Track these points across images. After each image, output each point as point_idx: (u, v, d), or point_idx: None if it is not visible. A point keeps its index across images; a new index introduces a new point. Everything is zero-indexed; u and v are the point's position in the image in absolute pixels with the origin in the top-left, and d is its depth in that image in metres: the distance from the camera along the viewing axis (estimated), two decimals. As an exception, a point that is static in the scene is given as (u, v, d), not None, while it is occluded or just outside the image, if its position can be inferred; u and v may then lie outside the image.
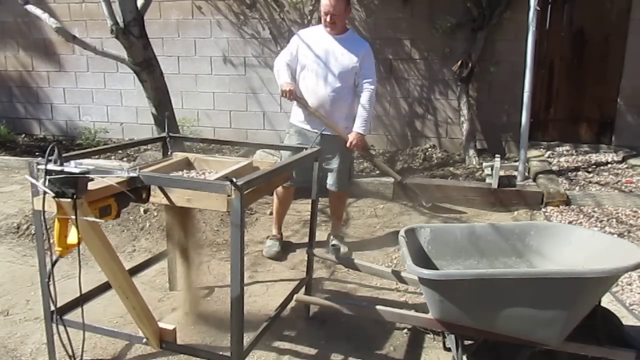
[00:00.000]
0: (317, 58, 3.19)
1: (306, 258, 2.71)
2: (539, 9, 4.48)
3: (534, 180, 4.73)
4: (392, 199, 4.58)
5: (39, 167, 1.59)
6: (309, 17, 5.45)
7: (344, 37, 3.21)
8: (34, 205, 1.66)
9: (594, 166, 5.19)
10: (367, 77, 3.21)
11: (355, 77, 3.20)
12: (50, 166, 1.56)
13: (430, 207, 4.21)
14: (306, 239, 2.79)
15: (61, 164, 1.58)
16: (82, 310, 1.81)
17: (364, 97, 3.21)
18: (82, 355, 1.91)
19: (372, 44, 3.35)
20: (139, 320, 1.99)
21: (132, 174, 1.85)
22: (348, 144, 3.23)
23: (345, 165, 3.37)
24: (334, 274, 3.23)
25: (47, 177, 1.55)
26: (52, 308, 2.06)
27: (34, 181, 1.61)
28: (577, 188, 4.56)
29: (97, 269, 3.06)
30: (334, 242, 3.53)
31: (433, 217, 4.24)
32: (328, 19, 3.11)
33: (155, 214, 3.84)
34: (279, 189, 3.35)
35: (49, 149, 1.57)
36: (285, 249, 3.55)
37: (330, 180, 3.41)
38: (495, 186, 4.39)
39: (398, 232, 2.32)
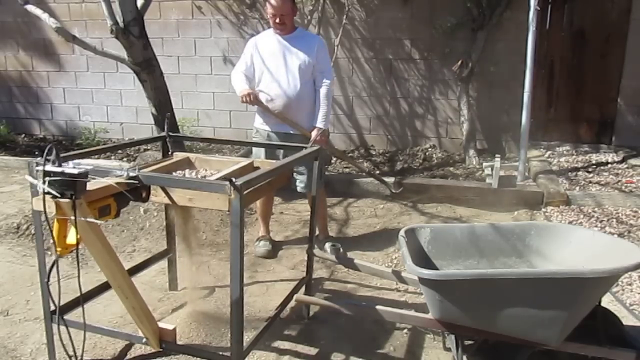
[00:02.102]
0: (272, 62, 3.25)
1: (306, 258, 2.71)
2: (539, 9, 4.48)
3: (534, 180, 4.73)
4: (392, 199, 4.58)
5: (38, 168, 1.58)
6: (309, 17, 5.45)
7: (294, 35, 3.26)
8: (34, 205, 1.66)
9: (594, 166, 5.19)
10: (323, 71, 3.27)
11: (312, 72, 3.25)
12: (49, 167, 1.56)
13: (399, 193, 4.28)
14: (306, 239, 2.79)
15: (59, 165, 1.57)
16: (83, 309, 1.81)
17: (322, 91, 3.26)
18: (82, 355, 1.91)
19: (323, 37, 3.42)
20: (138, 320, 1.99)
21: (132, 174, 1.85)
22: (311, 141, 3.20)
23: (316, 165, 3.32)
24: (334, 274, 3.23)
25: (46, 178, 1.55)
26: (52, 308, 2.06)
27: (33, 181, 1.61)
28: (577, 188, 4.56)
29: (97, 269, 3.06)
30: (328, 243, 3.52)
31: (433, 217, 4.24)
32: (277, 20, 3.16)
33: (155, 214, 3.84)
34: None
35: (46, 149, 1.57)
36: (275, 247, 3.58)
37: (301, 183, 3.37)
38: (495, 186, 4.39)
39: (398, 232, 2.32)
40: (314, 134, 3.23)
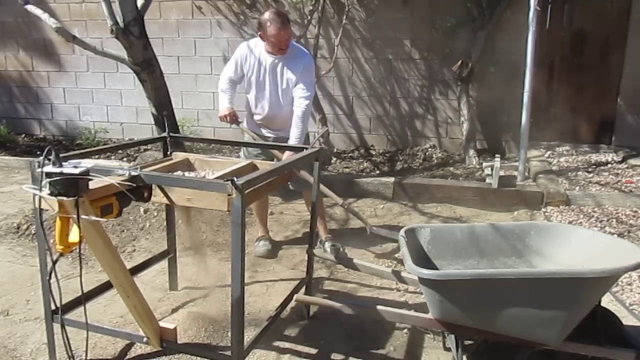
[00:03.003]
0: (260, 77, 3.24)
1: (306, 258, 2.71)
2: (539, 9, 4.48)
3: (534, 180, 4.73)
4: (392, 199, 4.59)
5: (38, 170, 1.59)
6: (309, 17, 5.45)
7: (287, 54, 3.18)
8: (35, 204, 1.66)
9: (594, 166, 5.19)
10: (302, 90, 3.17)
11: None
12: (49, 168, 1.56)
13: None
14: (306, 239, 2.79)
15: (60, 166, 1.58)
16: (85, 308, 1.81)
17: (298, 111, 3.16)
18: (86, 354, 1.91)
19: (311, 56, 3.37)
20: (139, 319, 1.99)
21: (134, 173, 1.86)
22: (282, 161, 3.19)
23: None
24: (334, 274, 3.23)
25: (48, 179, 1.55)
26: (53, 307, 2.06)
27: (33, 191, 1.61)
28: (577, 188, 4.56)
29: (97, 268, 3.08)
30: (328, 243, 3.52)
31: (433, 217, 4.25)
32: (282, 46, 3.10)
33: (156, 214, 3.84)
34: None
35: (45, 151, 1.57)
36: (275, 247, 3.58)
37: (293, 182, 3.32)
38: (495, 186, 4.39)
39: (398, 232, 2.32)
40: (285, 154, 3.10)
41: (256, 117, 3.37)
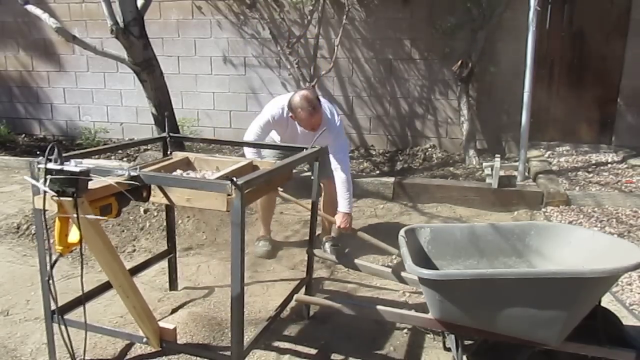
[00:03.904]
0: (288, 139, 3.26)
1: (306, 258, 2.71)
2: (539, 9, 4.48)
3: (534, 180, 4.73)
4: (392, 199, 4.58)
5: (39, 166, 1.59)
6: (309, 17, 5.45)
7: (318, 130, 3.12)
8: (35, 204, 1.66)
9: (594, 166, 5.19)
10: (338, 158, 3.17)
11: None
12: (51, 165, 1.57)
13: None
14: (306, 239, 2.79)
15: (61, 163, 1.58)
16: (85, 308, 1.81)
17: (340, 178, 3.16)
18: (84, 355, 1.91)
19: (340, 119, 3.30)
20: (139, 319, 1.99)
21: (133, 173, 1.86)
22: (337, 227, 3.20)
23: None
24: (334, 274, 3.23)
25: (48, 176, 1.55)
26: (53, 307, 2.06)
27: (33, 182, 1.61)
28: (577, 188, 4.56)
29: (97, 269, 3.08)
30: (328, 243, 3.51)
31: (433, 217, 4.25)
32: (314, 127, 3.03)
33: (155, 214, 3.84)
34: None
35: (48, 148, 1.57)
36: (275, 247, 3.57)
37: (327, 170, 3.29)
38: (495, 186, 4.39)
39: (398, 232, 2.32)
40: (338, 219, 3.15)
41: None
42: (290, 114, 3.07)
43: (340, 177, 3.18)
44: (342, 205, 3.17)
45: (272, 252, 3.50)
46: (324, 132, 3.03)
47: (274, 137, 3.43)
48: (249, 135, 3.22)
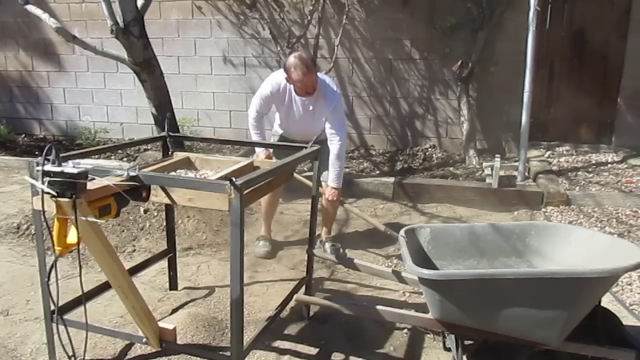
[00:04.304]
0: (290, 113, 3.26)
1: (306, 258, 2.71)
2: (539, 9, 4.48)
3: (534, 180, 4.73)
4: (392, 199, 4.58)
5: (37, 168, 1.58)
6: (309, 17, 5.45)
7: (316, 94, 3.16)
8: (34, 205, 1.66)
9: (594, 166, 5.19)
10: (333, 132, 3.17)
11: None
12: (48, 167, 1.56)
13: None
14: (306, 239, 2.79)
15: (59, 164, 1.57)
16: (85, 308, 1.81)
17: (334, 150, 3.17)
18: (84, 355, 1.91)
19: (340, 93, 3.30)
20: (138, 319, 1.99)
21: (132, 174, 1.85)
22: (325, 199, 3.26)
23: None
24: (334, 274, 3.23)
25: (46, 178, 1.55)
26: (52, 307, 2.06)
27: (33, 182, 1.61)
28: (577, 188, 4.56)
29: (97, 269, 3.08)
30: (328, 243, 3.51)
31: (433, 217, 4.25)
32: (309, 90, 3.08)
33: (155, 214, 3.84)
34: None
35: (45, 149, 1.57)
36: (275, 247, 3.57)
37: (326, 175, 3.33)
38: (495, 186, 4.39)
39: (398, 232, 2.32)
40: (327, 191, 3.22)
41: (293, 135, 3.40)
42: (286, 77, 3.09)
43: (333, 151, 3.18)
44: (331, 179, 3.20)
45: (271, 252, 3.50)
46: (321, 101, 3.14)
47: (276, 128, 3.45)
48: (252, 109, 3.32)
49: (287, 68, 3.04)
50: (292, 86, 3.16)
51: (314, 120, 3.22)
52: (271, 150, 3.34)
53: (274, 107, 3.33)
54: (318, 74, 3.20)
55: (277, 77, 3.24)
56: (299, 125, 3.31)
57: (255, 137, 3.32)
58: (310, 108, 3.21)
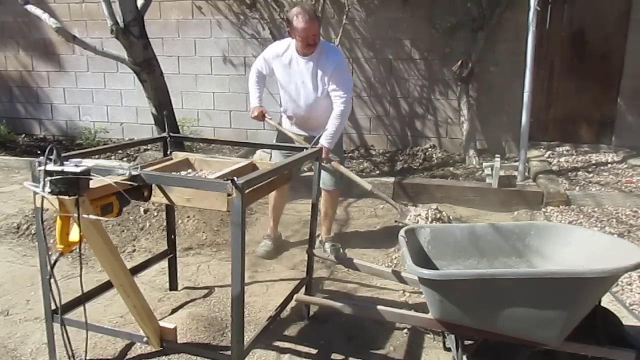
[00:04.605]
0: (291, 79, 3.22)
1: (306, 258, 2.71)
2: (539, 9, 4.48)
3: (534, 180, 4.73)
4: (392, 199, 4.57)
5: (39, 168, 1.59)
6: (309, 17, 5.45)
7: (315, 53, 3.13)
8: (35, 202, 1.66)
9: (594, 166, 5.19)
10: (337, 91, 3.12)
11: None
12: (50, 167, 1.57)
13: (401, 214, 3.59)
14: (306, 239, 2.79)
15: (61, 164, 1.58)
16: (85, 308, 1.81)
17: (335, 110, 3.13)
18: (84, 355, 1.91)
19: (342, 53, 3.30)
20: (139, 318, 1.99)
21: (134, 173, 1.86)
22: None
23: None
24: (334, 274, 3.23)
25: (48, 177, 1.55)
26: (53, 307, 2.06)
27: (33, 188, 1.61)
28: (577, 188, 4.56)
29: (97, 269, 3.08)
30: (328, 243, 3.51)
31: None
32: (310, 41, 3.04)
33: (156, 214, 3.84)
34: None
35: (47, 149, 1.57)
36: (280, 248, 3.56)
37: (324, 179, 3.35)
38: (495, 186, 4.39)
39: (398, 232, 2.32)
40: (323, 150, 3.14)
41: (290, 119, 3.37)
42: (288, 30, 3.08)
43: (336, 110, 3.12)
44: (324, 137, 3.09)
45: (273, 252, 3.48)
46: (323, 59, 3.10)
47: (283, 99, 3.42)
48: (253, 68, 3.34)
49: (290, 18, 3.03)
50: (294, 48, 3.15)
51: (317, 86, 3.14)
52: (264, 108, 3.32)
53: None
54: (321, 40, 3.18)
55: (282, 41, 3.29)
56: (302, 98, 3.21)
57: (253, 90, 3.33)
58: (312, 66, 3.13)
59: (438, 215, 3.40)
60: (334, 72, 3.12)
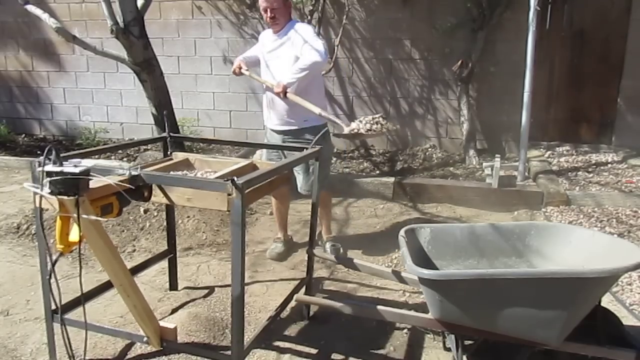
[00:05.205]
0: (266, 60, 3.24)
1: (306, 258, 2.71)
2: (539, 9, 4.48)
3: (534, 180, 4.73)
4: (392, 199, 4.58)
5: (39, 168, 1.59)
6: (309, 17, 5.45)
7: (283, 31, 3.11)
8: (35, 203, 1.66)
9: (594, 166, 5.19)
10: (312, 50, 2.97)
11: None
12: (49, 167, 1.57)
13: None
14: (306, 239, 2.79)
15: (60, 165, 1.58)
16: (84, 308, 1.81)
17: (307, 57, 2.97)
18: (84, 355, 1.91)
19: (323, 37, 3.29)
20: (139, 318, 1.99)
21: (134, 173, 1.86)
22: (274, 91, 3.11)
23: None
24: (334, 274, 3.23)
25: (48, 178, 1.55)
26: (53, 307, 2.06)
27: (32, 189, 1.61)
28: (577, 188, 4.56)
29: (97, 268, 3.08)
30: (329, 243, 3.51)
31: (433, 217, 4.24)
32: (268, 14, 3.03)
33: (156, 214, 3.84)
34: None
35: (46, 150, 1.57)
36: (290, 250, 3.55)
37: (299, 183, 3.32)
38: (495, 186, 4.39)
39: (398, 232, 2.32)
40: (276, 86, 3.03)
41: (269, 109, 3.28)
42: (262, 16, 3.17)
43: (307, 57, 2.97)
44: (287, 75, 3.01)
45: (284, 254, 3.46)
46: (292, 32, 3.07)
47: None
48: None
49: None
50: (269, 33, 3.21)
51: (285, 60, 3.09)
52: (243, 62, 3.30)
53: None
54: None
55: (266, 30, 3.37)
56: (278, 77, 3.11)
57: (244, 54, 3.40)
58: (284, 41, 3.09)
59: (376, 120, 3.16)
60: (305, 42, 3.01)
